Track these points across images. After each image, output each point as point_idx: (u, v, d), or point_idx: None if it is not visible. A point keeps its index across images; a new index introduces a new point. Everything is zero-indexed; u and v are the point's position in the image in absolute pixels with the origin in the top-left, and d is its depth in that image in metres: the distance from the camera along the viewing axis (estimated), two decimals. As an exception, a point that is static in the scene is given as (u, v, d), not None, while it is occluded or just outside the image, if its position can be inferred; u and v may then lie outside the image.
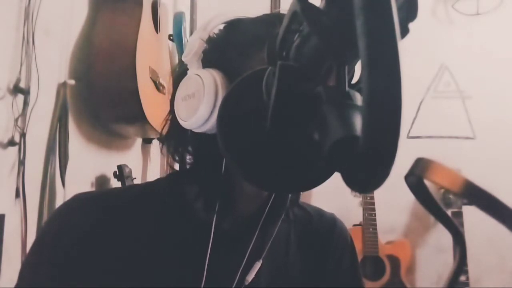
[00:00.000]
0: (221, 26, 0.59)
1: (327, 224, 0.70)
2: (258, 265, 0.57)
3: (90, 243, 0.54)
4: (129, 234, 0.56)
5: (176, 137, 0.60)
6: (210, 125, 0.52)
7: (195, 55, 0.57)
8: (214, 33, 0.58)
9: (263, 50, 0.51)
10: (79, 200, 0.59)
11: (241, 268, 0.57)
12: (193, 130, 0.54)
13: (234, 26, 0.58)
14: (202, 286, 0.54)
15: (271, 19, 0.55)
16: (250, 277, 0.56)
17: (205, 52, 0.57)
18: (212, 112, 0.51)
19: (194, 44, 0.57)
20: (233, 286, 0.56)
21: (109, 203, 0.59)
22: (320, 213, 0.71)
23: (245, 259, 0.57)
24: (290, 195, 0.63)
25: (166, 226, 0.58)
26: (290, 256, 0.63)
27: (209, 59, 0.57)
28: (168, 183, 0.63)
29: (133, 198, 0.60)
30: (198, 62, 0.57)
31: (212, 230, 0.55)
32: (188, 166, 0.60)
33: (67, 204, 0.59)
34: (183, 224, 0.57)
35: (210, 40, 0.57)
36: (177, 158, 0.61)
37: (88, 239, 0.55)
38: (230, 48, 0.56)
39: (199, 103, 0.51)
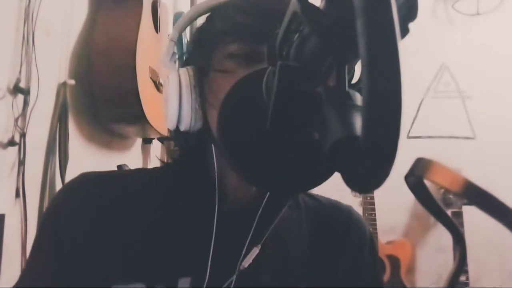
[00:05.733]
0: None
1: (342, 216, 0.66)
2: (256, 251, 0.56)
3: (95, 221, 0.55)
4: (135, 214, 0.56)
5: (172, 135, 0.63)
6: (185, 124, 0.54)
7: (167, 56, 0.58)
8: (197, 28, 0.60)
9: (231, 39, 0.52)
10: (86, 178, 0.59)
11: (243, 254, 0.56)
12: (180, 129, 0.56)
13: (208, 19, 0.58)
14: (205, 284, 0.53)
15: (243, 4, 0.54)
16: (247, 263, 0.55)
17: (188, 51, 0.59)
18: (180, 111, 0.54)
19: (165, 46, 0.58)
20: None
21: (117, 183, 0.59)
22: (336, 204, 0.68)
23: (246, 246, 0.56)
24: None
25: (171, 210, 0.58)
26: (301, 245, 0.61)
27: (189, 57, 0.59)
28: (174, 170, 0.63)
29: (140, 180, 0.61)
30: (171, 63, 0.59)
31: (215, 217, 0.55)
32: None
33: (73, 182, 0.59)
34: (188, 209, 0.58)
35: (191, 37, 0.59)
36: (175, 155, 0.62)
37: (93, 217, 0.55)
38: (200, 42, 0.57)
39: (168, 104, 0.54)
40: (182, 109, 0.54)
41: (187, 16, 0.58)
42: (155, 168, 0.68)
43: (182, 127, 0.55)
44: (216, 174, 0.56)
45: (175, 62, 0.60)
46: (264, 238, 0.57)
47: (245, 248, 0.56)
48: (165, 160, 0.69)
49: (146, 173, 0.66)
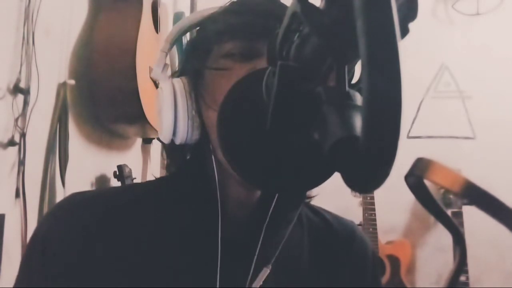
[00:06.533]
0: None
1: (345, 236, 0.64)
2: (266, 271, 0.53)
3: (84, 247, 0.51)
4: (129, 236, 0.53)
5: (166, 150, 0.60)
6: (182, 134, 0.52)
7: (158, 67, 0.57)
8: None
9: (227, 38, 0.51)
10: (75, 199, 0.56)
11: (250, 275, 0.53)
12: (175, 142, 0.54)
13: (200, 29, 0.58)
14: None
15: (235, 8, 0.54)
16: (258, 284, 0.53)
17: (181, 62, 0.58)
18: (175, 121, 0.52)
19: (157, 57, 0.57)
20: None
21: (108, 203, 0.56)
22: (339, 222, 0.66)
23: (253, 265, 0.53)
24: (292, 199, 0.59)
25: (169, 229, 0.55)
26: (302, 262, 0.59)
27: (181, 68, 0.58)
28: (170, 185, 0.60)
29: (133, 198, 0.57)
30: (164, 74, 0.57)
31: (219, 237, 0.52)
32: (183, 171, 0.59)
33: (62, 204, 0.56)
34: (187, 228, 0.55)
35: (184, 49, 0.58)
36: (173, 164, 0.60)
37: (82, 243, 0.51)
38: (194, 48, 0.56)
39: (162, 114, 0.52)
40: (178, 118, 0.52)
41: (179, 27, 0.57)
42: (150, 183, 0.64)
43: (178, 139, 0.53)
44: (217, 188, 0.53)
45: (167, 74, 0.58)
46: (274, 258, 0.55)
47: (252, 268, 0.53)
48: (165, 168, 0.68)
49: (140, 190, 0.61)
